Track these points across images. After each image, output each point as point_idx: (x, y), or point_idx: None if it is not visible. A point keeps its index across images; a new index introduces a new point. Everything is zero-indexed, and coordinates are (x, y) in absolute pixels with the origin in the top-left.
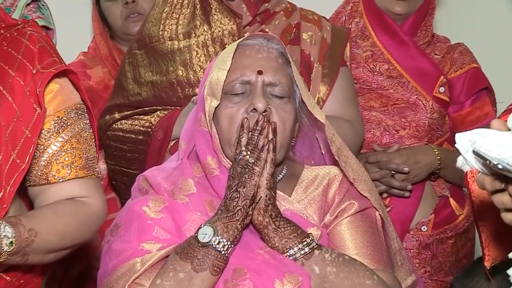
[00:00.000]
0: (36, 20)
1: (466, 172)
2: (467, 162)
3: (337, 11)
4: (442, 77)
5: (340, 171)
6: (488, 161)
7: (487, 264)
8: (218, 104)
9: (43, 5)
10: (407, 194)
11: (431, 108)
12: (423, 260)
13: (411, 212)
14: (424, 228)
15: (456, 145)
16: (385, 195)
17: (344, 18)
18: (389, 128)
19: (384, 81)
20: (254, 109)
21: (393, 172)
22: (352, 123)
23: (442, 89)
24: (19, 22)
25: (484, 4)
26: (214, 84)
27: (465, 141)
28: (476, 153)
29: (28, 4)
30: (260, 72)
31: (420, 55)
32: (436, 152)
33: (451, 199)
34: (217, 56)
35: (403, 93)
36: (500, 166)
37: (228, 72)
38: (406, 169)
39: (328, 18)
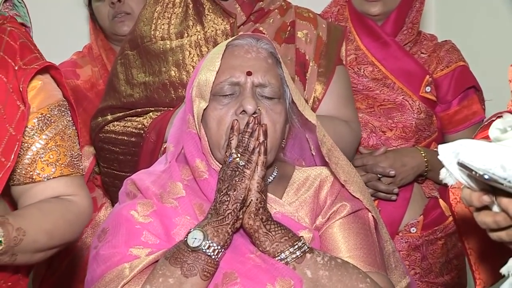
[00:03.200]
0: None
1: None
2: (450, 174)
3: (324, 11)
4: (427, 76)
5: (332, 172)
6: (474, 172)
7: None
8: (207, 106)
9: (19, 3)
10: (393, 197)
11: (417, 108)
12: (412, 262)
13: (400, 214)
14: (413, 230)
15: (439, 157)
16: (372, 198)
17: (330, 19)
18: (376, 129)
19: (369, 82)
20: (243, 111)
21: (379, 176)
22: (349, 123)
23: (428, 89)
24: None
25: (475, 2)
26: (202, 86)
27: (448, 152)
28: (460, 164)
29: (5, 1)
30: (249, 73)
31: (404, 55)
32: (423, 154)
33: (440, 200)
34: (205, 56)
35: (389, 93)
36: (486, 177)
37: (217, 73)
38: (392, 172)
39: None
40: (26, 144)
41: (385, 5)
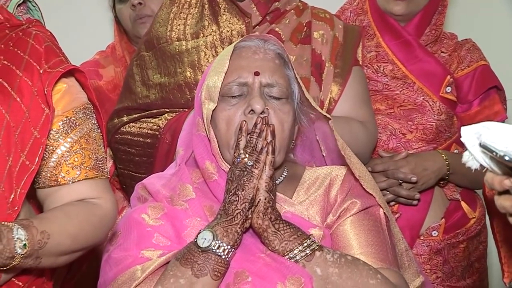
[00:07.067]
0: None
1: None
2: (473, 157)
3: (342, 8)
4: (448, 76)
5: (342, 170)
6: (495, 153)
7: (507, 281)
8: (216, 107)
9: (34, 6)
10: (414, 202)
11: (438, 109)
12: (434, 266)
13: (421, 217)
14: (434, 233)
15: (461, 139)
16: (392, 202)
17: (349, 14)
18: (396, 132)
19: (389, 81)
20: (251, 110)
21: (400, 181)
22: (365, 123)
23: (449, 89)
24: (24, 22)
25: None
26: (211, 87)
27: (470, 134)
28: (482, 145)
29: (19, 5)
30: (257, 73)
31: (425, 55)
32: (444, 158)
33: (462, 203)
34: (214, 59)
35: (409, 94)
36: (507, 158)
37: (225, 74)
38: (414, 178)
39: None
40: (51, 147)
41: (410, 6)
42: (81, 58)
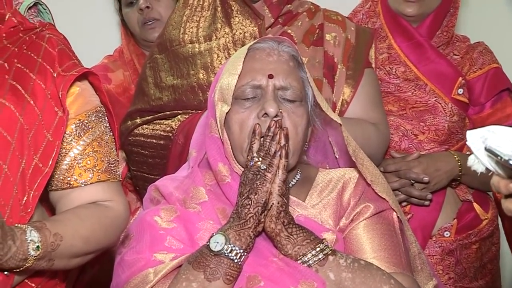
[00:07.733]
0: None
1: None
2: (479, 160)
3: (355, 10)
4: (460, 78)
5: (355, 173)
6: (499, 157)
7: None
8: (229, 110)
9: (44, 9)
10: (427, 203)
11: (450, 111)
12: (446, 267)
13: (433, 218)
14: (446, 234)
15: (467, 143)
16: (404, 203)
17: (361, 16)
18: (408, 133)
19: (401, 83)
20: (265, 113)
21: (412, 181)
22: (377, 125)
23: (460, 91)
24: (37, 25)
25: (502, 2)
26: (224, 89)
27: (476, 138)
28: (488, 149)
29: (30, 8)
30: (270, 76)
31: (437, 57)
32: (457, 159)
33: (475, 204)
34: (227, 60)
35: (422, 95)
36: (511, 162)
37: (238, 76)
38: (426, 178)
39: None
40: (64, 150)
41: (422, 7)
42: (86, 60)
